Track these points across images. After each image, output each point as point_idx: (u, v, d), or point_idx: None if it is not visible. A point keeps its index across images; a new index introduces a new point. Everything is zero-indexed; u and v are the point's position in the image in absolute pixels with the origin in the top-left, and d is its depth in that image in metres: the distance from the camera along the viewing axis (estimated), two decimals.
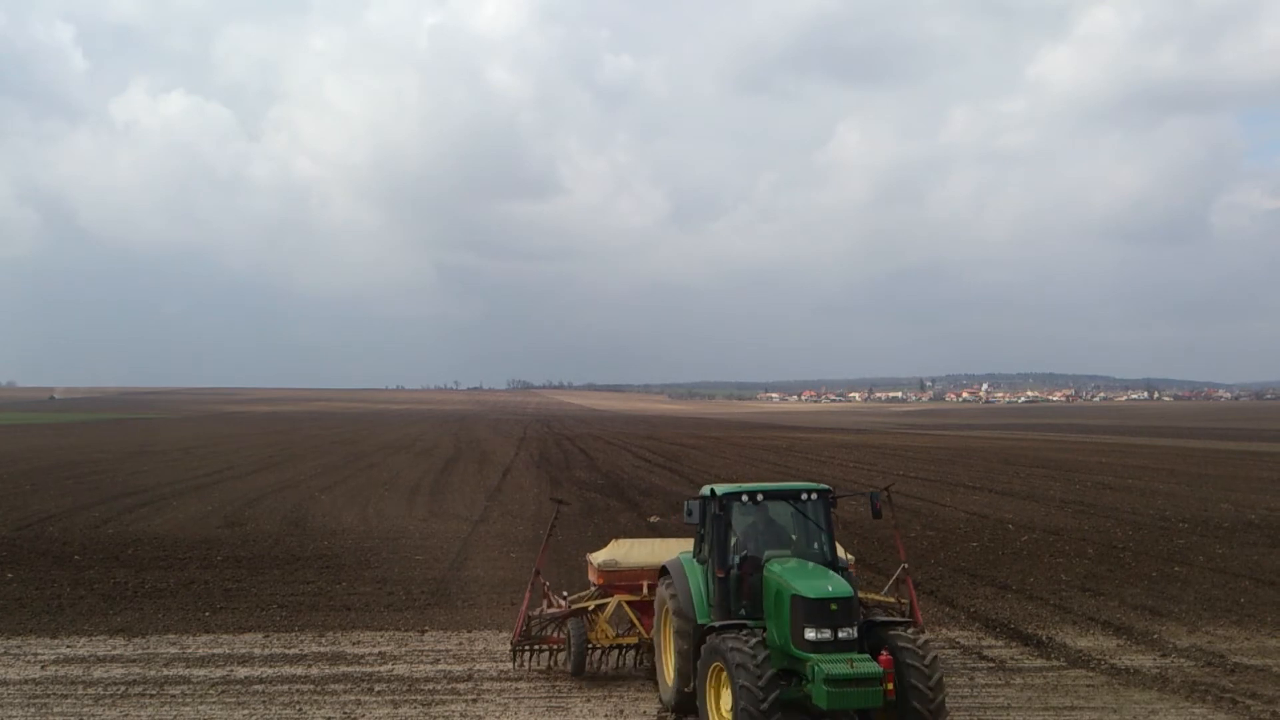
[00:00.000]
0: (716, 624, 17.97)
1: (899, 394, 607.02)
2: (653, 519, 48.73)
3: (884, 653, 17.02)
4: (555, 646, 23.52)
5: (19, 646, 25.42)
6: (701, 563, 19.63)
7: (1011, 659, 24.41)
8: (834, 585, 17.28)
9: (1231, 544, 42.17)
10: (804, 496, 19.42)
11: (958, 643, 25.83)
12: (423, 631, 27.07)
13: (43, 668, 23.49)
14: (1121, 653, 24.85)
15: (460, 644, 25.77)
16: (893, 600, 23.04)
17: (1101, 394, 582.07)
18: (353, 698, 21.23)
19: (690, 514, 19.56)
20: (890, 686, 16.52)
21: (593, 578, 24.34)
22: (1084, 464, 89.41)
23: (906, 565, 22.74)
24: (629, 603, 23.10)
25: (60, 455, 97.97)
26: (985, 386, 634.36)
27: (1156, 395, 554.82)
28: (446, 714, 20.15)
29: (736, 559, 18.77)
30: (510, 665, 23.60)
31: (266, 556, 38.91)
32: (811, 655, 16.81)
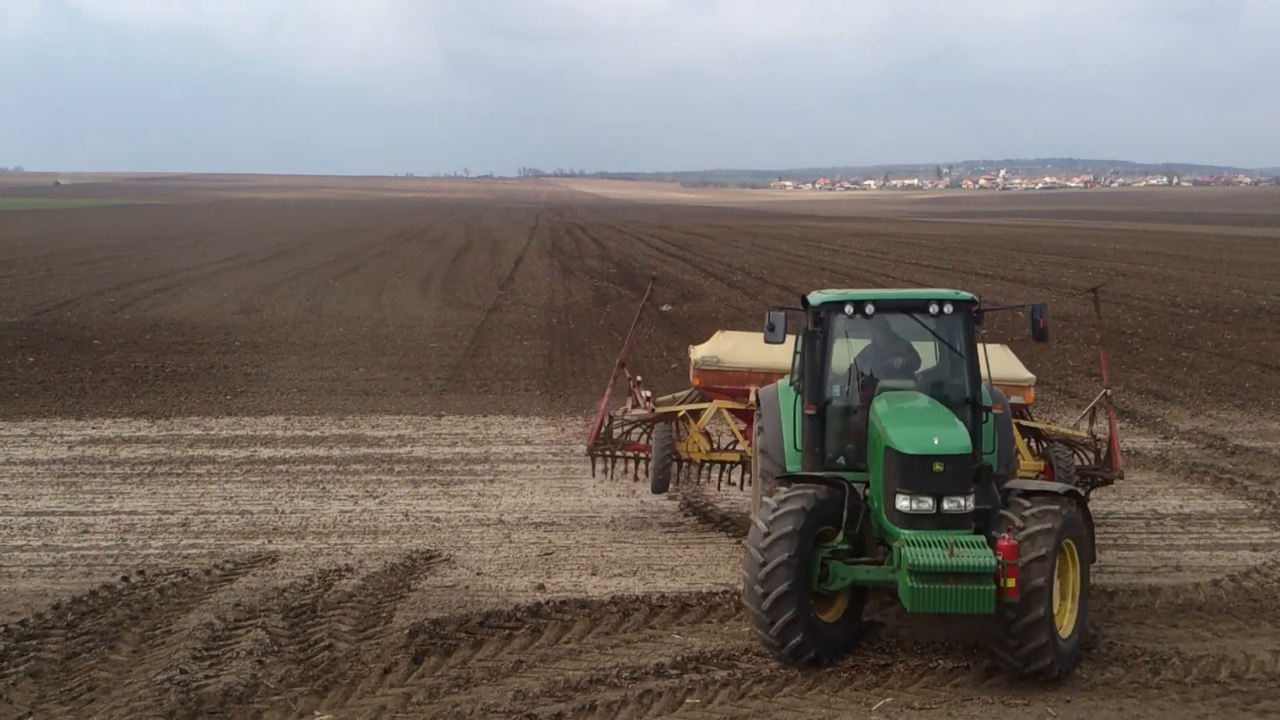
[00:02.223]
0: (797, 473, 14.13)
1: (915, 181, 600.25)
2: (665, 308, 49.01)
3: (1006, 535, 12.34)
4: (639, 454, 19.87)
5: (45, 428, 25.98)
6: (796, 391, 15.28)
7: None
8: (944, 436, 12.93)
9: (1240, 329, 42.46)
10: (935, 309, 14.61)
11: None
12: (439, 416, 27.57)
13: (70, 448, 24.04)
14: (1124, 435, 25.22)
15: (476, 428, 26.28)
16: (1085, 436, 19.06)
17: (1120, 179, 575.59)
18: (374, 477, 21.78)
19: (773, 329, 14.65)
20: (1012, 584, 12.04)
21: (692, 377, 19.90)
22: (1098, 250, 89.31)
23: (1109, 391, 19.27)
24: (730, 410, 19.31)
25: (72, 241, 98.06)
26: (1003, 173, 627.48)
27: (1176, 180, 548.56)
28: (464, 493, 20.68)
29: (838, 390, 14.74)
30: (526, 449, 24.14)
31: (284, 342, 39.38)
32: (903, 531, 12.77)
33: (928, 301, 14.70)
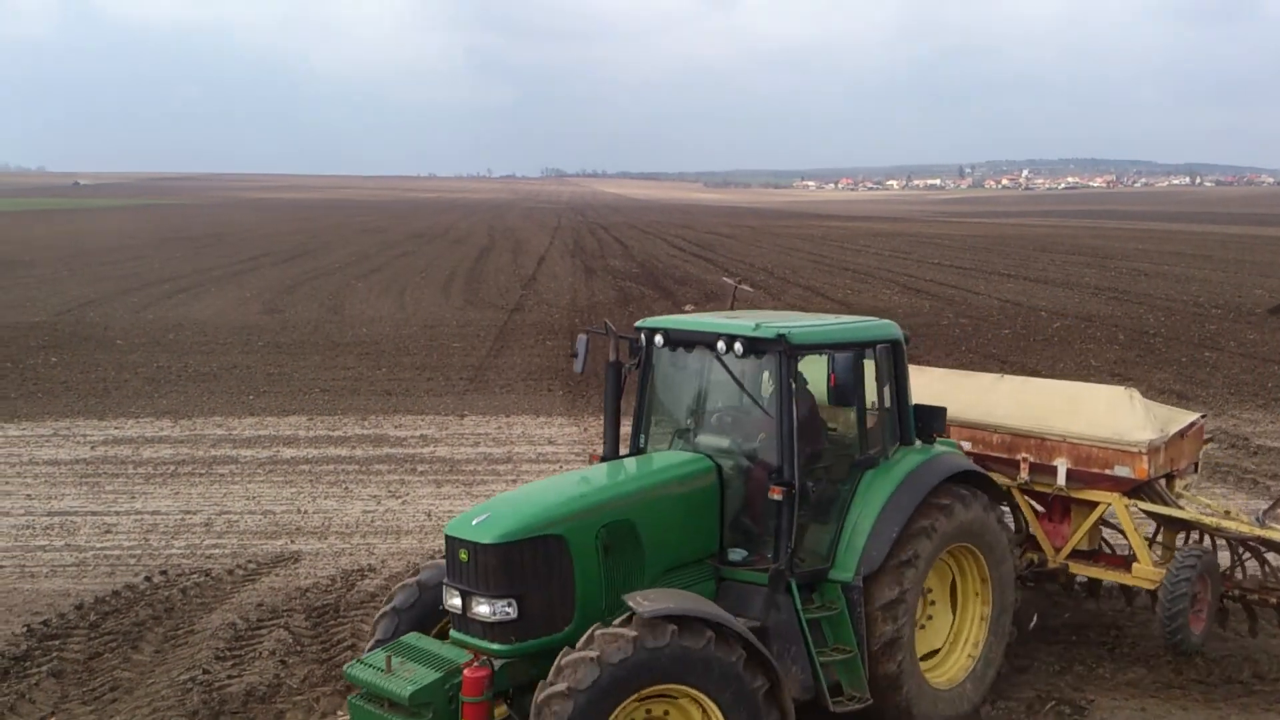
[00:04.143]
0: None
1: (937, 181, 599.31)
2: (687, 308, 49.02)
3: (475, 662, 9.43)
4: None
5: (68, 428, 26.10)
6: None
7: None
8: (493, 517, 9.79)
9: (1263, 329, 42.27)
10: (723, 345, 10.99)
11: None
12: (462, 416, 27.61)
13: (92, 448, 24.15)
14: None
15: (499, 428, 26.31)
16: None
17: (1143, 179, 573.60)
18: (396, 477, 21.83)
19: (575, 355, 13.01)
20: None
21: None
22: (1121, 250, 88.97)
23: None
24: None
25: (93, 241, 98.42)
26: (1025, 173, 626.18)
27: (1198, 180, 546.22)
28: (487, 493, 20.63)
29: (643, 441, 12.18)
30: (549, 449, 24.22)
31: (306, 343, 39.50)
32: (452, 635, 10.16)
33: (717, 336, 11.06)
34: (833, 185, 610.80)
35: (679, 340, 11.61)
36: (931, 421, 12.17)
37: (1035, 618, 13.83)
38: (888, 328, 11.87)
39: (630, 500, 10.50)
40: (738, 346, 10.80)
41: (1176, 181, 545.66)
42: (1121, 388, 13.97)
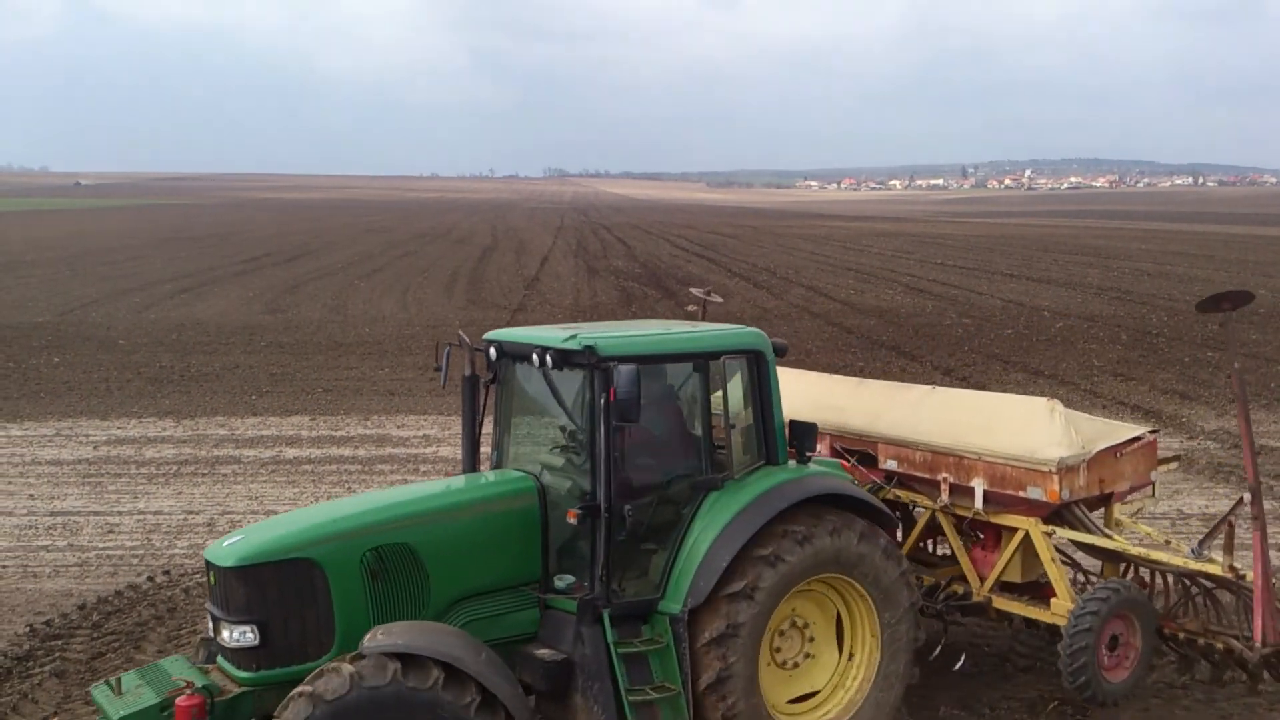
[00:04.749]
0: None
1: (940, 181, 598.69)
2: (690, 309, 48.97)
3: (188, 689, 9.01)
4: None
5: (70, 428, 26.12)
6: None
7: None
8: (244, 541, 9.61)
9: (1267, 330, 42.24)
10: (536, 358, 10.30)
11: None
12: None
13: (95, 448, 24.18)
14: None
15: None
16: (1220, 569, 11.69)
17: (1145, 179, 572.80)
18: (399, 477, 21.83)
19: (438, 368, 12.31)
20: None
21: None
22: (1123, 250, 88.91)
23: (1252, 491, 11.34)
24: None
25: (95, 241, 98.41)
26: (1028, 173, 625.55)
27: (1201, 180, 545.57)
28: None
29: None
30: None
31: (309, 343, 39.53)
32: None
33: (533, 348, 10.39)
34: (835, 185, 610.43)
35: (510, 353, 10.97)
36: (803, 439, 11.15)
37: (964, 658, 12.78)
38: (746, 338, 10.88)
39: (407, 523, 9.97)
40: (548, 359, 10.13)
41: (1179, 181, 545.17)
42: (1044, 399, 12.61)
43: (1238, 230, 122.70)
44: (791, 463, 11.03)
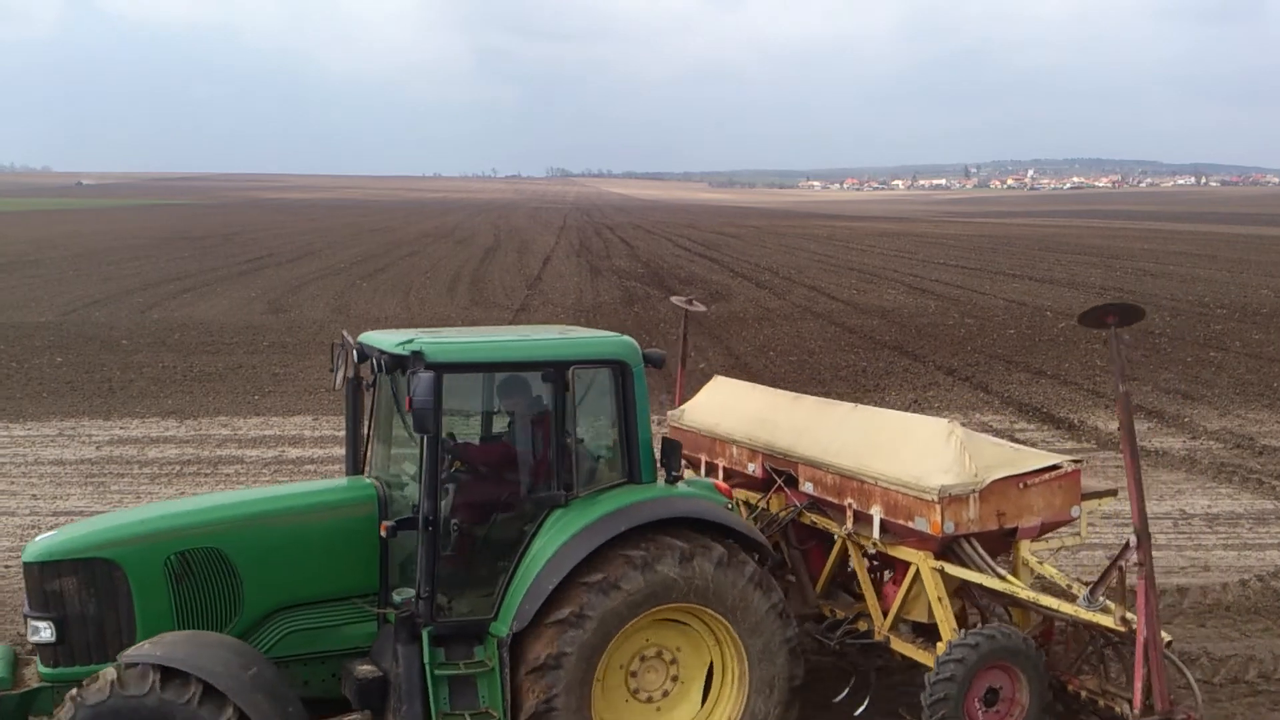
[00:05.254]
0: None
1: (943, 181, 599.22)
2: (698, 308, 48.95)
3: None
4: None
5: (73, 428, 26.13)
6: None
7: (1043, 441, 24.76)
8: (56, 535, 9.84)
9: (1269, 330, 42.23)
10: (375, 365, 10.29)
11: (990, 426, 26.19)
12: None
13: (98, 448, 24.19)
14: (1152, 435, 25.19)
15: None
16: (1112, 621, 10.15)
17: (1148, 179, 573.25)
18: None
19: (333, 370, 11.39)
20: None
21: None
22: (1126, 250, 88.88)
23: (1138, 535, 9.80)
24: None
25: (98, 241, 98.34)
26: (1031, 173, 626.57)
27: (1204, 180, 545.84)
28: None
29: None
30: None
31: (312, 343, 39.50)
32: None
33: (376, 352, 10.21)
34: (838, 185, 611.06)
35: (369, 356, 10.47)
36: (670, 457, 10.63)
37: (867, 702, 11.58)
38: (608, 347, 10.29)
39: (218, 528, 9.82)
40: (383, 364, 9.84)
41: (1182, 181, 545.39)
42: (944, 421, 11.46)
43: (1240, 230, 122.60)
44: (660, 481, 10.43)
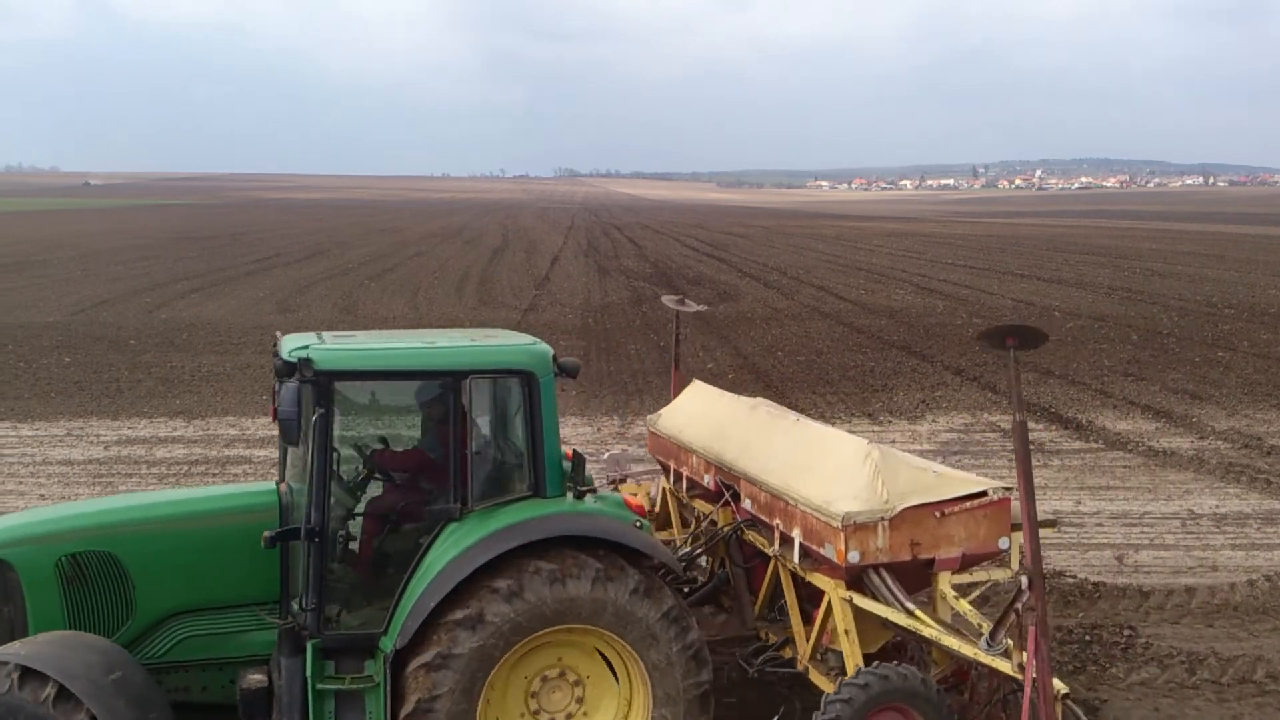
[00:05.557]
0: None
1: (951, 181, 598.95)
2: (701, 308, 48.98)
3: None
4: None
5: (81, 428, 26.16)
6: None
7: (1050, 441, 24.76)
8: None
9: (1277, 330, 42.15)
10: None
11: (998, 426, 26.17)
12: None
13: (105, 448, 24.22)
14: (1160, 435, 25.16)
15: None
16: (1010, 668, 9.39)
17: (1156, 179, 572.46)
18: None
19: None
20: None
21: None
22: (1134, 250, 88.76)
23: (1029, 576, 8.84)
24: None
25: (105, 241, 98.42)
26: (1039, 173, 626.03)
27: (1212, 180, 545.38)
28: None
29: None
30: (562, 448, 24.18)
31: None
32: None
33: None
34: (846, 185, 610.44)
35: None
36: (577, 471, 10.31)
37: (780, 713, 11.14)
38: (514, 356, 9.97)
39: (111, 531, 9.81)
40: (275, 368, 9.51)
41: (1190, 181, 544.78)
42: (863, 442, 10.81)
43: (1249, 230, 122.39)
44: (568, 496, 9.98)
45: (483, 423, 9.98)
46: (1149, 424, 26.40)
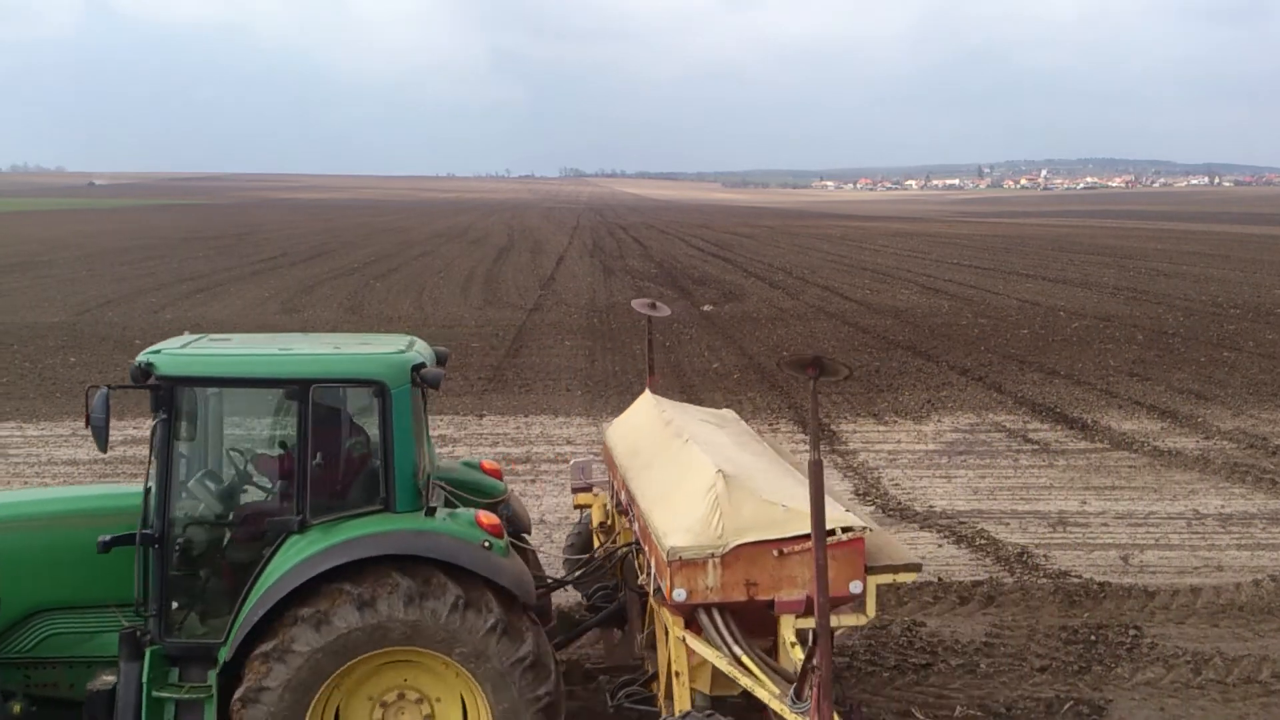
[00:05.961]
0: None
1: (956, 181, 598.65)
2: (706, 308, 49.07)
3: None
4: None
5: (87, 429, 26.10)
6: None
7: (1056, 441, 24.74)
8: None
9: None
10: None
11: (1004, 426, 26.16)
12: (481, 416, 27.62)
13: (112, 449, 24.17)
14: (1165, 435, 25.14)
15: (518, 428, 26.32)
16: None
17: (1161, 179, 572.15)
18: None
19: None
20: None
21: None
22: (1139, 250, 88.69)
23: (819, 628, 8.18)
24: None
25: (111, 241, 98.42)
26: (1044, 173, 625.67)
27: (1217, 180, 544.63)
28: None
29: None
30: (567, 449, 24.22)
31: None
32: None
33: None
34: (851, 185, 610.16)
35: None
36: (427, 486, 10.02)
37: None
38: (365, 365, 9.79)
39: None
40: (130, 372, 9.58)
41: (1195, 181, 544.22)
42: (714, 470, 9.79)
43: (1254, 230, 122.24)
44: (422, 513, 9.67)
45: (331, 434, 9.85)
46: (1154, 424, 26.39)
